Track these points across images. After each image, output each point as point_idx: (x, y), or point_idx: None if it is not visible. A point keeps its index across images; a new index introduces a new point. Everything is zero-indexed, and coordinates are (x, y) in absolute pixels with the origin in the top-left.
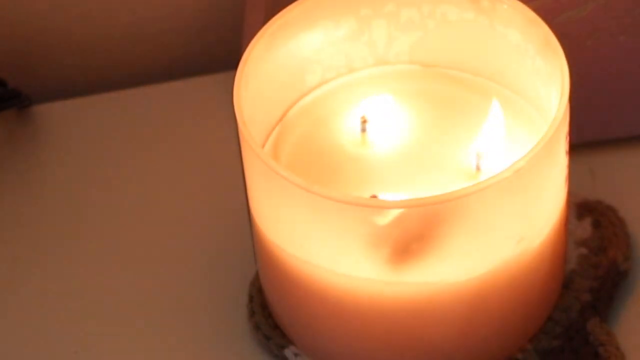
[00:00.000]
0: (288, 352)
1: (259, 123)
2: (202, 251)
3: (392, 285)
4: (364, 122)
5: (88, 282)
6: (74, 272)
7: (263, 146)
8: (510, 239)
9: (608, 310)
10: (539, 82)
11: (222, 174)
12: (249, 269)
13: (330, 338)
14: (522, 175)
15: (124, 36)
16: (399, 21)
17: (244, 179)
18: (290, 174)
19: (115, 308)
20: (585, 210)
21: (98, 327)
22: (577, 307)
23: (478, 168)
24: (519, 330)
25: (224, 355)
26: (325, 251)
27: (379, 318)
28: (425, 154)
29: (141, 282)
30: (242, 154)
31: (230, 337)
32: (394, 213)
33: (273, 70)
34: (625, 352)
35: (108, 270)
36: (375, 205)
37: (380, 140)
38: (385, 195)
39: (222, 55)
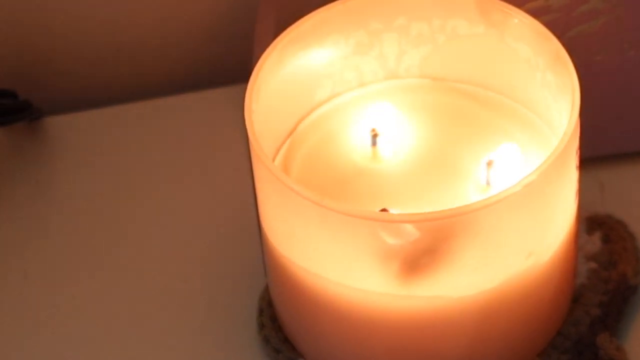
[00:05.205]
0: None
1: (270, 136)
2: (212, 264)
3: (402, 298)
4: (374, 135)
5: (97, 295)
6: (84, 284)
7: (274, 160)
8: (520, 253)
9: (617, 324)
10: (549, 96)
11: (233, 187)
12: (259, 282)
13: (340, 351)
14: (533, 189)
15: (135, 49)
16: (410, 35)
17: (254, 192)
18: (301, 187)
19: (124, 320)
20: (595, 224)
21: (106, 337)
22: (586, 322)
23: (488, 182)
24: (528, 345)
25: None
26: (335, 264)
27: (388, 331)
28: (435, 168)
29: (151, 295)
30: (253, 167)
31: (240, 350)
32: (404, 232)
33: (284, 84)
34: None
35: (118, 282)
36: (385, 219)
37: (391, 154)
38: (395, 209)
39: (233, 69)
